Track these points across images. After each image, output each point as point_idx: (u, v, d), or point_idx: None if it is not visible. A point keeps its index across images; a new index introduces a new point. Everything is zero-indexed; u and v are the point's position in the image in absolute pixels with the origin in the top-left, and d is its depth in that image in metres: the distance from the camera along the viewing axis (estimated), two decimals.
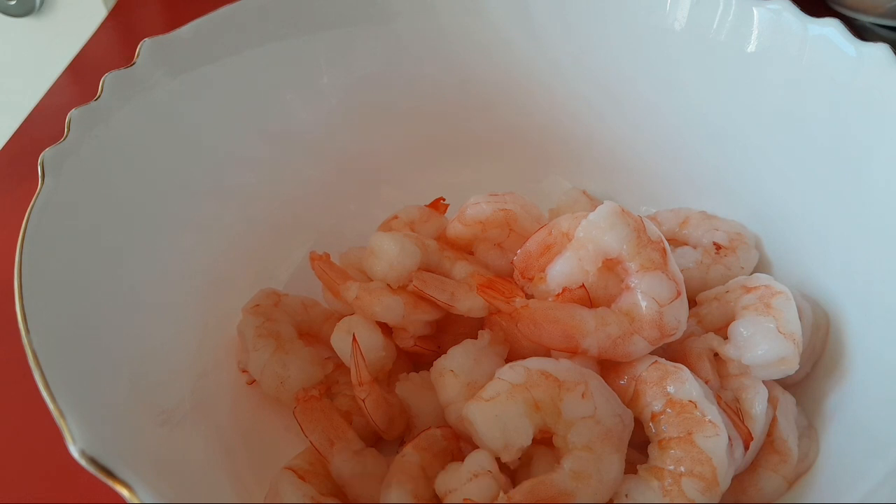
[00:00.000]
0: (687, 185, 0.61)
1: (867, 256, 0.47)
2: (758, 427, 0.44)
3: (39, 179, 0.42)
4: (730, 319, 0.48)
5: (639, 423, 0.44)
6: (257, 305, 0.52)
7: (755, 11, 0.52)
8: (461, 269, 0.53)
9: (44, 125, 0.76)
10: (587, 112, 0.62)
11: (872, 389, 0.44)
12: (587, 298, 0.47)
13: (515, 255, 0.52)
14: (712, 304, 0.50)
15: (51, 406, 0.35)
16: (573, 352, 0.45)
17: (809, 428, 0.47)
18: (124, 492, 0.33)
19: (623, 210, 0.47)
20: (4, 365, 0.51)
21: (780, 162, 0.54)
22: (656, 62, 0.57)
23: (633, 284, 0.46)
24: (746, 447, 0.43)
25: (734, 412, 0.44)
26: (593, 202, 0.61)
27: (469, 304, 0.50)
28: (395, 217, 0.58)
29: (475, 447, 0.43)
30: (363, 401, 0.47)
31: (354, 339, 0.47)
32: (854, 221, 0.49)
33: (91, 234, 0.44)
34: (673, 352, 0.48)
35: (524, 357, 0.45)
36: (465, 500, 0.40)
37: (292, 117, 0.59)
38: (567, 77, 0.61)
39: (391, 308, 0.49)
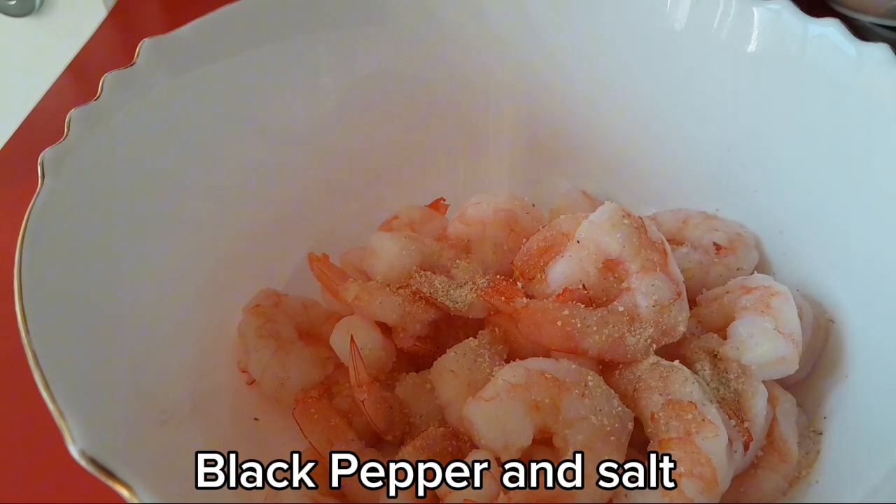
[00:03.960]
0: (687, 185, 0.61)
1: (867, 257, 0.47)
2: (758, 427, 0.44)
3: (39, 179, 0.42)
4: (729, 320, 0.48)
5: (639, 423, 0.44)
6: (258, 306, 0.52)
7: (755, 11, 0.52)
8: (461, 269, 0.53)
9: (44, 125, 0.76)
10: (587, 112, 0.62)
11: (872, 389, 0.44)
12: (587, 299, 0.47)
13: (515, 255, 0.51)
14: (712, 305, 0.50)
15: (51, 406, 0.35)
16: (573, 352, 0.45)
17: (809, 428, 0.47)
18: (124, 492, 0.33)
19: (624, 211, 0.47)
20: (4, 365, 0.51)
21: (780, 162, 0.54)
22: (656, 62, 0.57)
23: (633, 285, 0.46)
24: (746, 447, 0.43)
25: (734, 412, 0.44)
26: (593, 202, 0.61)
27: (469, 304, 0.50)
28: (396, 217, 0.58)
29: (475, 447, 0.43)
30: (363, 402, 0.47)
31: (352, 340, 0.47)
32: (854, 221, 0.49)
33: (91, 233, 0.44)
34: (673, 352, 0.48)
35: (524, 357, 0.45)
36: (465, 500, 0.40)
37: (292, 117, 0.59)
38: (566, 77, 0.61)
39: (390, 308, 0.49)
